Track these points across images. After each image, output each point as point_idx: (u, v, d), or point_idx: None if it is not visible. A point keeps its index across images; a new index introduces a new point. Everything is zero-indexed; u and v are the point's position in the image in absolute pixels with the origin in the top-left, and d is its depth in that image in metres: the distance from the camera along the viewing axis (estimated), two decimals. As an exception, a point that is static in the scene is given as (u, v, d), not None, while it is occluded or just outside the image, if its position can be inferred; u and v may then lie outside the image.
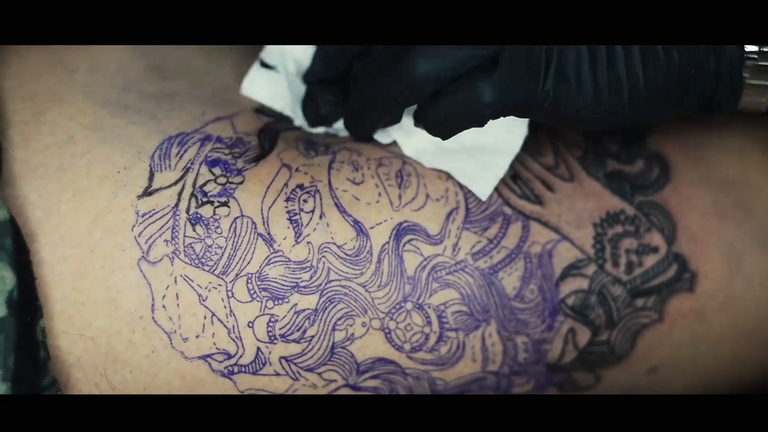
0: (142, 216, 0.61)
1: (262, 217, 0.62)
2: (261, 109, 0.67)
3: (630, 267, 0.66)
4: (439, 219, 0.64)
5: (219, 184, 0.62)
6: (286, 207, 0.62)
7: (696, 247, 0.67)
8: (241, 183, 0.62)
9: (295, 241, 0.62)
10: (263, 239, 0.62)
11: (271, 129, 0.66)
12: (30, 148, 0.62)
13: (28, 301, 0.59)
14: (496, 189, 0.65)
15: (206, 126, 0.64)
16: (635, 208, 0.67)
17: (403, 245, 0.63)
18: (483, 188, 0.64)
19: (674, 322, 0.67)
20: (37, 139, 0.62)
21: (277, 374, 0.63)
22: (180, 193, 0.62)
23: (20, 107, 0.63)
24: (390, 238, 0.63)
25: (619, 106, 0.59)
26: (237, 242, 0.62)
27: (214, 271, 0.61)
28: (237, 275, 0.61)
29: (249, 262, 0.62)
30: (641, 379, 0.68)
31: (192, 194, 0.62)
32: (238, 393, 0.63)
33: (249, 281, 0.62)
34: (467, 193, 0.65)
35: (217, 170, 0.63)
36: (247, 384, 0.63)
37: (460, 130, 0.60)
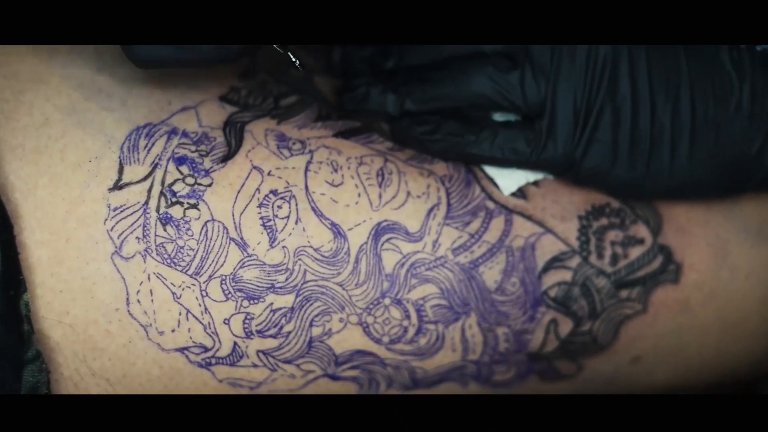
0: (114, 210, 0.61)
1: (234, 223, 0.61)
2: (226, 97, 0.65)
3: (615, 259, 0.65)
4: (420, 216, 0.63)
5: (187, 184, 0.61)
6: (259, 213, 0.61)
7: (682, 238, 0.66)
8: (210, 185, 0.61)
9: (270, 245, 0.61)
10: (236, 243, 0.61)
11: (236, 122, 0.64)
12: (9, 127, 0.62)
13: (11, 275, 0.59)
14: (479, 183, 0.64)
15: (172, 117, 0.63)
16: (621, 201, 0.65)
17: (382, 244, 0.62)
18: (508, 185, 0.64)
19: (658, 312, 0.66)
20: (16, 118, 0.62)
21: (255, 366, 0.63)
22: (149, 190, 0.61)
23: (2, 85, 0.63)
24: (368, 238, 0.62)
25: (660, 185, 0.64)
26: (209, 245, 0.61)
27: (186, 271, 0.61)
28: (210, 276, 0.61)
29: (222, 265, 0.61)
30: (624, 368, 0.67)
31: (161, 192, 0.61)
32: (216, 382, 0.63)
33: (223, 282, 0.61)
34: (449, 189, 0.64)
35: (184, 169, 0.61)
36: (224, 374, 0.63)
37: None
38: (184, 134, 0.63)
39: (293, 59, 0.62)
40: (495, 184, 0.64)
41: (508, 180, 0.64)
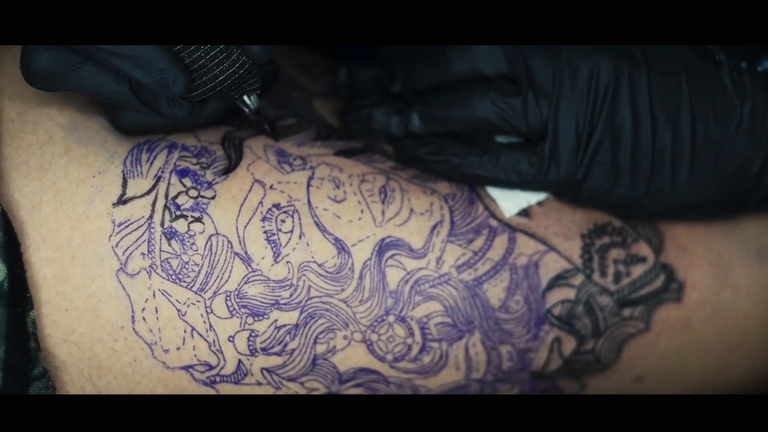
0: (118, 226, 0.61)
1: (238, 237, 0.61)
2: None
3: (618, 277, 0.65)
4: (423, 233, 0.63)
5: (191, 197, 0.61)
6: (263, 227, 0.61)
7: (684, 257, 0.66)
8: (213, 198, 0.62)
9: (274, 260, 0.61)
10: (240, 258, 0.61)
11: (234, 137, 0.64)
12: (14, 145, 0.62)
13: (18, 292, 0.59)
14: (482, 202, 0.65)
15: (170, 134, 0.64)
16: (622, 220, 0.66)
17: (386, 260, 0.62)
18: (510, 206, 0.65)
19: (661, 331, 0.66)
20: (20, 137, 0.62)
21: (259, 383, 0.63)
22: (153, 204, 0.61)
23: (7, 105, 0.63)
24: (372, 254, 0.62)
25: (661, 205, 0.64)
26: (214, 260, 0.61)
27: (192, 287, 0.61)
28: (215, 293, 0.61)
29: (227, 281, 0.61)
30: (626, 387, 0.67)
31: (165, 206, 0.61)
32: None
33: (228, 298, 0.61)
34: (452, 207, 0.64)
35: (187, 181, 0.62)
36: (229, 392, 0.63)
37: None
38: (184, 148, 0.63)
39: (265, 126, 0.64)
40: (497, 205, 0.65)
41: (510, 202, 0.65)
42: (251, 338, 0.62)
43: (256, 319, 0.61)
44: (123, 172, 0.62)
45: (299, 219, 0.62)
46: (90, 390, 0.62)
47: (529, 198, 0.65)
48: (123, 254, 0.61)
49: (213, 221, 0.61)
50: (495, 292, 0.64)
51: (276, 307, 0.62)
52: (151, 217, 0.61)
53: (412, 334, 0.63)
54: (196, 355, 0.62)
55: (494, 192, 0.65)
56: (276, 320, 0.62)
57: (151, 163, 0.62)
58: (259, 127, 0.65)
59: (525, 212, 0.65)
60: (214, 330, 0.61)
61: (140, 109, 0.60)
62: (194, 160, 0.62)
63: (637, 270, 0.65)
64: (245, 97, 0.62)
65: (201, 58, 0.58)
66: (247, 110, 0.63)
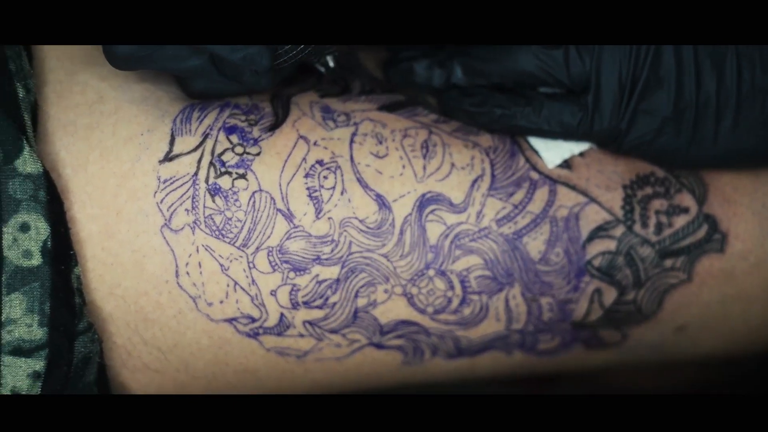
0: (164, 182, 0.62)
1: (281, 193, 0.62)
2: None
3: (659, 228, 0.65)
4: (464, 187, 0.63)
5: (236, 153, 0.62)
6: (306, 183, 0.62)
7: (728, 207, 0.66)
8: (258, 154, 0.62)
9: (316, 216, 0.62)
10: (283, 214, 0.62)
11: (283, 94, 0.64)
12: (62, 105, 0.63)
13: (62, 250, 0.60)
14: (524, 154, 0.64)
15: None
16: (665, 170, 0.65)
17: (426, 215, 0.63)
18: (553, 157, 0.64)
19: (704, 282, 0.66)
20: (68, 97, 0.63)
21: (302, 335, 0.64)
22: (199, 161, 0.62)
23: (56, 66, 0.64)
24: (413, 209, 0.63)
25: (705, 154, 0.63)
26: (256, 216, 0.61)
27: (234, 243, 0.62)
28: (258, 248, 0.62)
29: (269, 237, 0.62)
30: (669, 336, 0.67)
31: (210, 162, 0.62)
32: (264, 351, 0.64)
33: (270, 254, 0.62)
34: (493, 160, 0.64)
35: (234, 138, 0.62)
36: (272, 343, 0.64)
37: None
38: (236, 106, 0.63)
39: (340, 85, 0.64)
40: (540, 156, 0.65)
41: (553, 153, 0.65)
42: (293, 292, 0.62)
43: (297, 274, 0.62)
44: (172, 129, 0.62)
45: (341, 175, 0.62)
46: (136, 340, 0.63)
47: (573, 148, 0.65)
48: (167, 210, 0.61)
49: (257, 178, 0.62)
50: (535, 245, 0.64)
51: (317, 262, 0.62)
52: (196, 173, 0.62)
53: (452, 288, 0.64)
54: (239, 308, 0.63)
55: (537, 143, 0.65)
56: (317, 275, 0.62)
57: (201, 121, 0.62)
58: (336, 86, 0.65)
59: (566, 164, 0.65)
60: (256, 284, 0.62)
61: (219, 80, 0.61)
62: (243, 117, 0.63)
63: (680, 221, 0.65)
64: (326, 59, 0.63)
65: None
66: (324, 70, 0.63)
